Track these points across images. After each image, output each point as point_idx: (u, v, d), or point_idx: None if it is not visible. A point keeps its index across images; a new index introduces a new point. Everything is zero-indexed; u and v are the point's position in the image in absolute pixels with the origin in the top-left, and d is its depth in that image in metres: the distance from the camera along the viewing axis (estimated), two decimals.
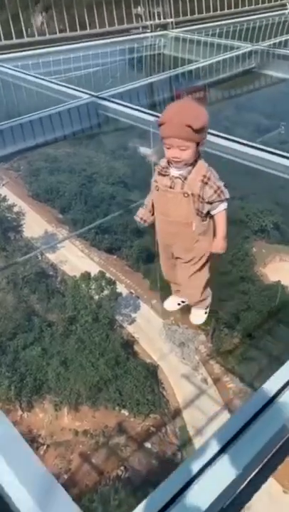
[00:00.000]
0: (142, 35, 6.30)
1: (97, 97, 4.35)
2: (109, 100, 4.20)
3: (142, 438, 20.92)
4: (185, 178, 1.95)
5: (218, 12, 7.15)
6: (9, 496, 1.40)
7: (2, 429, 1.74)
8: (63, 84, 4.61)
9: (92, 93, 4.35)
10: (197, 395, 23.91)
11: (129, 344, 24.96)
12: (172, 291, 2.43)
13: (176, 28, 6.62)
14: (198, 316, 2.56)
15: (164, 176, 2.03)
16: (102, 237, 18.55)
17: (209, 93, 4.96)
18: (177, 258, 2.25)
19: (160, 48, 6.22)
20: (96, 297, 20.51)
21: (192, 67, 5.11)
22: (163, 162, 1.99)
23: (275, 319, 23.58)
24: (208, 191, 2.04)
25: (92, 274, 19.79)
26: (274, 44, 5.79)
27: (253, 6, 7.34)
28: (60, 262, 21.55)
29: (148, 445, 22.27)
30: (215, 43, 6.04)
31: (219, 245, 2.06)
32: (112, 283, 19.64)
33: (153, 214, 2.29)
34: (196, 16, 6.94)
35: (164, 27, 6.62)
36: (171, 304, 2.51)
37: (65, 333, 21.35)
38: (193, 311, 2.53)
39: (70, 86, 4.63)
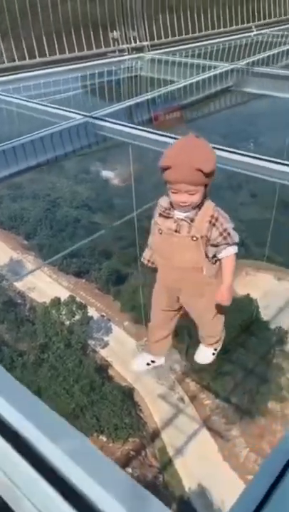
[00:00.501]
0: (119, 58, 6.35)
1: (91, 116, 4.31)
2: (103, 120, 4.20)
3: (122, 463, 20.45)
4: (192, 220, 1.76)
5: (190, 35, 7.33)
6: None
7: (78, 442, 1.56)
8: (49, 105, 4.56)
9: (85, 114, 4.31)
10: (175, 414, 23.63)
11: (103, 368, 24.49)
12: (149, 344, 2.13)
13: (151, 50, 6.72)
14: (207, 355, 2.30)
15: (167, 218, 1.81)
16: (70, 261, 18.21)
17: (185, 113, 5.00)
18: (185, 305, 1.99)
19: (138, 70, 6.29)
20: (67, 322, 20.03)
21: (174, 87, 5.15)
22: (164, 202, 1.81)
23: (247, 332, 23.77)
24: (215, 233, 1.80)
25: (62, 299, 19.33)
26: (251, 62, 5.99)
27: (222, 29, 7.58)
28: (28, 289, 20.99)
29: (129, 470, 21.80)
30: (194, 64, 6.15)
31: (224, 296, 1.87)
32: (82, 307, 19.21)
33: None
34: (170, 39, 7.08)
35: (140, 50, 6.70)
36: (141, 363, 2.19)
37: (37, 361, 20.67)
38: (202, 348, 2.23)
39: (57, 107, 4.57)
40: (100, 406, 21.48)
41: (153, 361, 2.23)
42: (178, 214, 1.78)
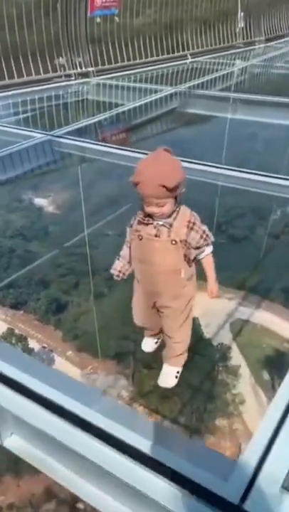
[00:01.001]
0: (66, 83, 6.50)
1: (52, 135, 4.42)
2: (65, 138, 4.34)
3: (74, 498, 19.66)
4: (170, 225, 1.95)
5: (132, 62, 7.71)
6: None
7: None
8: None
9: (46, 132, 4.45)
10: None
11: None
12: (145, 334, 2.32)
13: (97, 76, 6.97)
14: (170, 377, 2.44)
15: (147, 224, 1.91)
16: (7, 292, 17.67)
17: (134, 132, 5.30)
18: (161, 308, 2.15)
19: (85, 94, 6.49)
20: None
21: (124, 108, 5.40)
22: (142, 213, 1.93)
23: (192, 351, 24.29)
24: (195, 236, 1.98)
25: (0, 333, 18.75)
26: (192, 86, 6.43)
27: (160, 56, 8.08)
28: None
29: (80, 506, 20.98)
30: (139, 88, 6.48)
31: (214, 290, 2.07)
32: (22, 339, 18.70)
33: (131, 265, 2.18)
34: (113, 65, 7.41)
35: (86, 75, 6.93)
36: (148, 345, 2.37)
37: None
38: (165, 369, 2.38)
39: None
40: None
41: (158, 339, 2.38)
42: (157, 220, 1.94)
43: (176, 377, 2.30)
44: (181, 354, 2.24)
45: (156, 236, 1.87)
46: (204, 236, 1.90)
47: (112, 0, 7.13)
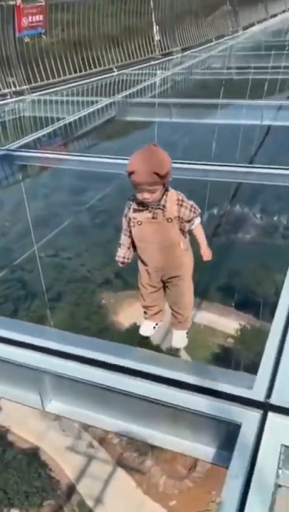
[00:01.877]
0: (1, 102, 6.59)
1: (7, 149, 4.55)
2: (22, 151, 4.54)
3: None
4: (164, 207, 2.28)
5: (62, 77, 7.96)
6: None
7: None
8: None
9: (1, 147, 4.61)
10: (87, 462, 22.80)
11: (1, 436, 22.79)
12: (148, 317, 2.56)
13: (32, 93, 7.15)
14: (181, 338, 2.60)
15: (143, 210, 2.20)
16: None
17: (81, 141, 5.65)
18: (167, 280, 2.37)
19: (22, 111, 6.64)
20: None
21: (63, 123, 5.66)
22: (136, 200, 2.19)
23: None
24: (185, 211, 2.30)
25: None
26: (127, 95, 6.85)
27: (90, 70, 8.45)
28: None
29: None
30: (76, 101, 6.75)
31: (206, 253, 2.32)
32: None
33: (135, 250, 2.34)
34: (45, 82, 7.62)
35: (21, 93, 7.07)
36: (147, 328, 2.63)
37: None
38: (176, 333, 2.63)
39: None
40: (6, 476, 19.97)
41: (156, 324, 2.62)
42: (151, 205, 2.26)
43: (186, 337, 2.57)
44: (187, 317, 2.52)
45: (153, 218, 2.17)
46: (193, 209, 2.23)
47: (38, 20, 7.41)
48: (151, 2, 10.52)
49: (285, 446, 1.62)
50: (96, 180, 5.06)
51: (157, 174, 2.01)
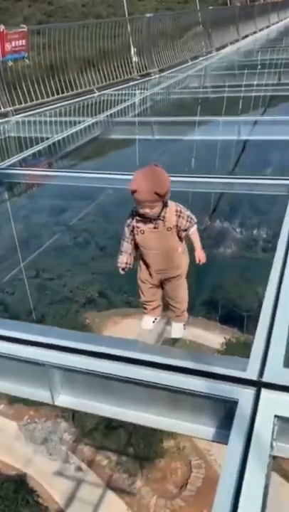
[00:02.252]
0: None
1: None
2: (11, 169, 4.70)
3: None
4: (164, 217, 2.54)
5: (45, 99, 8.25)
6: None
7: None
8: None
9: None
10: (76, 486, 22.40)
11: None
12: (147, 312, 2.76)
13: (16, 114, 7.37)
14: (179, 330, 2.82)
15: (145, 221, 2.43)
16: None
17: (67, 159, 5.92)
18: (166, 280, 2.60)
19: (7, 132, 6.85)
20: None
21: (47, 143, 5.89)
22: (136, 216, 2.45)
23: None
24: (183, 221, 2.50)
25: None
26: (109, 115, 7.15)
27: (72, 92, 8.79)
28: None
29: None
30: (62, 121, 7.00)
31: (201, 256, 2.60)
32: None
33: (134, 257, 2.57)
34: (29, 103, 7.87)
35: (5, 115, 7.29)
36: (147, 323, 2.83)
37: None
38: (174, 325, 2.82)
39: None
40: None
41: (155, 319, 2.83)
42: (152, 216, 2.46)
43: (184, 328, 2.78)
44: (183, 311, 2.74)
45: (154, 228, 2.44)
46: (189, 219, 2.50)
47: (21, 45, 7.70)
48: (128, 25, 10.98)
49: (278, 416, 1.81)
50: (85, 195, 5.30)
51: (158, 194, 2.27)
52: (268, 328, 2.25)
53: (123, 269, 2.59)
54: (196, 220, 2.52)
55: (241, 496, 1.59)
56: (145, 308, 2.75)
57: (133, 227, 2.48)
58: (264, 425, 1.79)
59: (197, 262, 2.57)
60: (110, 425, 22.71)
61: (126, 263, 2.58)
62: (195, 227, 2.53)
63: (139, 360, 2.13)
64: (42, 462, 22.39)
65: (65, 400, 2.27)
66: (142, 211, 2.37)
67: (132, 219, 2.48)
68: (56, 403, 2.25)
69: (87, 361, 2.16)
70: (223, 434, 1.98)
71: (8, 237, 5.23)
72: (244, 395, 1.90)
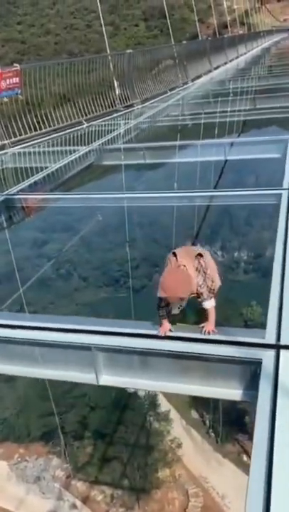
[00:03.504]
0: None
1: (7, 194, 5.11)
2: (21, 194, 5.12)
3: None
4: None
5: (39, 131, 8.74)
6: None
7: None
8: None
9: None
10: None
11: None
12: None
13: (13, 146, 7.78)
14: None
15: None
16: None
17: (70, 183, 6.46)
18: None
19: (5, 163, 7.24)
20: None
21: (47, 172, 6.31)
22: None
23: (121, 408, 23.85)
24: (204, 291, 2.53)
25: None
26: (102, 143, 7.63)
27: (61, 124, 9.31)
28: None
29: None
30: (57, 151, 7.42)
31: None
32: None
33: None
34: (24, 136, 8.31)
35: (2, 148, 7.68)
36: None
37: None
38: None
39: None
40: None
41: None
42: None
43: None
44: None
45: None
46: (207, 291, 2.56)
47: (15, 82, 8.20)
48: (110, 61, 11.69)
49: None
50: (90, 214, 5.73)
51: (182, 298, 2.47)
52: (279, 299, 2.64)
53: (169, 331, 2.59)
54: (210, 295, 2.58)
55: (275, 444, 1.85)
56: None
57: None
58: (287, 379, 2.14)
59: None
60: (104, 457, 22.42)
61: (170, 330, 2.58)
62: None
63: (173, 336, 2.49)
64: (34, 502, 21.87)
65: (108, 379, 2.60)
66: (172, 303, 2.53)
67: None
68: (100, 383, 2.57)
69: (128, 340, 2.50)
70: (250, 395, 2.32)
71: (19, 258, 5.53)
72: (266, 357, 2.26)
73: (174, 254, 2.58)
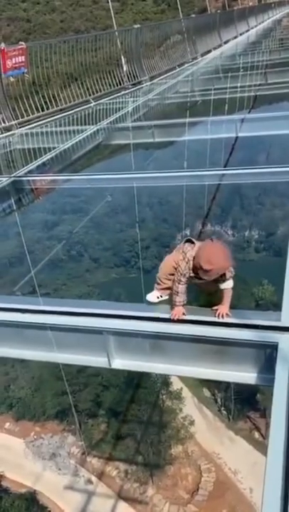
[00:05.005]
0: None
1: (16, 176, 5.08)
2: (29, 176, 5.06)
3: None
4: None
5: (46, 111, 8.63)
6: None
7: None
8: None
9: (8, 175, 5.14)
10: (87, 499, 22.26)
11: None
12: (157, 288, 2.88)
13: (20, 127, 7.69)
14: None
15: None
16: None
17: (78, 165, 6.43)
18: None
19: (14, 144, 7.18)
20: None
21: (55, 152, 6.23)
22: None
23: (134, 387, 24.12)
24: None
25: None
26: (110, 122, 7.52)
27: (68, 104, 9.19)
28: None
29: None
30: (66, 131, 7.31)
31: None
32: None
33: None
34: (31, 116, 8.21)
35: (9, 129, 7.58)
36: (153, 297, 2.94)
37: None
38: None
39: None
40: None
41: (160, 296, 2.99)
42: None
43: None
44: None
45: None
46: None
47: (21, 61, 8.03)
48: (117, 37, 11.41)
49: None
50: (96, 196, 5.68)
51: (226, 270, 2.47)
52: None
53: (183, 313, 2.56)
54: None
55: None
56: (158, 284, 2.77)
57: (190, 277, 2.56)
58: None
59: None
60: (118, 435, 22.81)
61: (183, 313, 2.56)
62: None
63: (186, 320, 2.43)
64: (51, 478, 22.43)
65: (120, 363, 2.57)
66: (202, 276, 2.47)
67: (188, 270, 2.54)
68: (113, 366, 2.54)
69: (141, 324, 2.45)
70: (266, 378, 2.27)
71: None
72: (283, 340, 2.20)
73: (191, 241, 2.56)
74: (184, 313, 2.49)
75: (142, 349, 2.49)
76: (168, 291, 2.74)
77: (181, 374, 2.47)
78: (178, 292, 2.52)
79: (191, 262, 2.48)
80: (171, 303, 2.56)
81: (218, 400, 24.11)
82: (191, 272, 2.50)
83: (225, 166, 5.58)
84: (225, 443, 22.61)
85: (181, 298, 2.51)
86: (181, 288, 2.52)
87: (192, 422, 22.60)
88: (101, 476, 22.42)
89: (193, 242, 2.55)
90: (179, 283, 2.52)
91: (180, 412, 22.94)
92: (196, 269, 2.46)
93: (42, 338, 2.71)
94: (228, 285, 2.54)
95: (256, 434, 22.19)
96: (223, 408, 24.02)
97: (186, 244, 2.56)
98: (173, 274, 2.58)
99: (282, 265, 2.88)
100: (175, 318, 2.47)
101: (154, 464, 21.96)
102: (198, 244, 2.54)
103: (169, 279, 2.62)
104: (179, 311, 2.48)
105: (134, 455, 22.55)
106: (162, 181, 5.15)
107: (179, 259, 2.53)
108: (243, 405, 22.87)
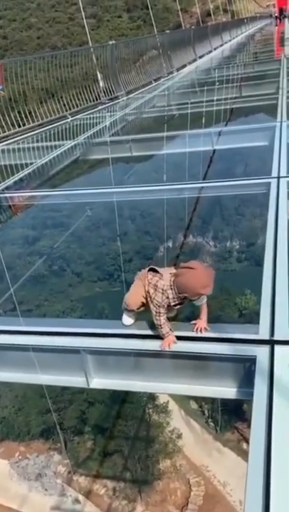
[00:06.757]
0: None
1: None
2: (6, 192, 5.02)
3: None
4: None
5: (22, 127, 8.60)
6: None
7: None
8: None
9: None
10: None
11: None
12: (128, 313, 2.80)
13: None
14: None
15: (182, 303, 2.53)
16: None
17: (53, 181, 6.37)
18: None
19: None
20: None
21: (32, 168, 6.21)
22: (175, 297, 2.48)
23: (120, 402, 23.81)
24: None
25: None
26: (88, 137, 7.53)
27: (45, 119, 9.19)
28: None
29: None
30: (43, 146, 7.30)
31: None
32: None
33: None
34: (7, 132, 8.17)
35: None
36: (130, 321, 2.75)
37: None
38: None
39: None
40: None
41: (134, 315, 2.66)
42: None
43: None
44: None
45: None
46: None
47: None
48: (93, 53, 11.53)
49: None
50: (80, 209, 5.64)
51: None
52: (271, 293, 2.57)
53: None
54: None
55: (272, 442, 1.78)
56: (129, 312, 2.66)
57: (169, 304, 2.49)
58: (282, 374, 2.08)
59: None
60: (105, 451, 22.48)
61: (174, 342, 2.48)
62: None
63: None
64: (37, 499, 21.92)
65: (99, 382, 2.53)
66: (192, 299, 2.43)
67: (168, 298, 2.46)
68: (91, 386, 2.50)
69: (118, 342, 2.42)
70: (246, 392, 2.26)
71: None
72: (261, 352, 2.19)
73: (153, 269, 2.51)
74: (174, 342, 2.41)
75: (121, 367, 2.46)
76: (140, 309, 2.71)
77: (161, 391, 2.45)
78: (161, 324, 2.43)
79: (169, 291, 2.42)
80: (147, 318, 2.52)
81: (206, 411, 23.98)
82: (171, 300, 2.44)
83: (204, 179, 5.61)
84: (213, 455, 22.44)
85: (166, 328, 2.42)
86: (163, 319, 2.44)
87: (180, 436, 22.39)
88: (88, 494, 21.99)
89: (156, 271, 2.48)
90: (159, 315, 2.43)
91: (167, 426, 22.72)
92: (183, 295, 2.42)
93: (20, 360, 2.65)
94: (202, 300, 2.49)
95: (244, 445, 22.11)
96: (210, 420, 23.89)
97: (150, 274, 2.49)
98: (144, 304, 2.51)
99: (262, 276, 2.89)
100: (168, 349, 2.39)
101: (143, 480, 21.64)
102: (163, 271, 2.48)
103: (141, 306, 2.57)
104: (170, 340, 2.41)
105: (122, 472, 22.20)
106: (143, 195, 5.16)
107: (150, 292, 2.45)
108: (230, 416, 22.78)
